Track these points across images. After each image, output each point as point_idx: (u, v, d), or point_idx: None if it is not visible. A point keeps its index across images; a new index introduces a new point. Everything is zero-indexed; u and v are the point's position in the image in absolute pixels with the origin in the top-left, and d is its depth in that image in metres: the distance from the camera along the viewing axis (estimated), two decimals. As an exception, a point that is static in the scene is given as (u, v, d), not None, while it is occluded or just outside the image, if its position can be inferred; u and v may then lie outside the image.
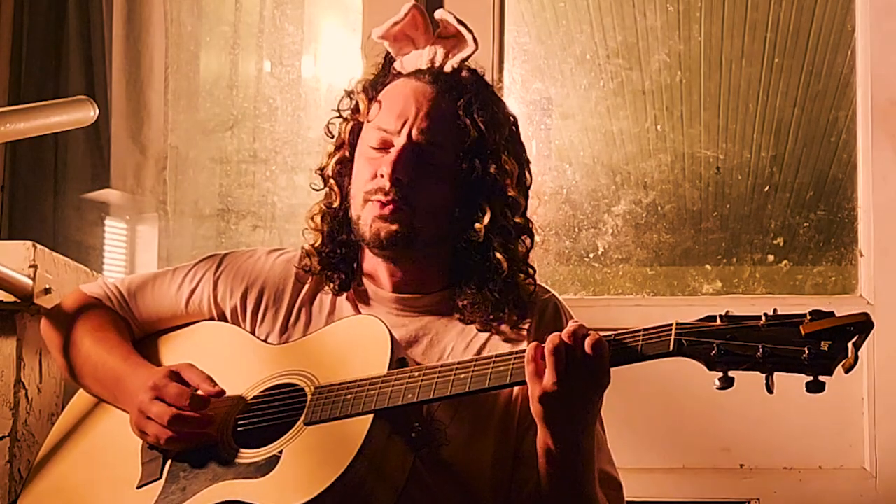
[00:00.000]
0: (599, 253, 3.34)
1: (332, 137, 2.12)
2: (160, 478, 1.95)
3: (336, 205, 2.08)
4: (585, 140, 3.64)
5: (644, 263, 3.39)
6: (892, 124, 2.86)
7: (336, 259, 2.08)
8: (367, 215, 2.00)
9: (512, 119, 2.11)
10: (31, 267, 2.48)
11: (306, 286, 2.10)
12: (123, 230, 3.57)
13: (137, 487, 1.96)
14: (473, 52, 2.07)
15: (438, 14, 2.08)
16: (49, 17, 3.46)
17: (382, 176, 1.97)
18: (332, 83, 3.65)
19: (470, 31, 2.07)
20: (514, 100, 3.33)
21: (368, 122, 2.04)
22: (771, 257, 3.39)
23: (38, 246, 2.52)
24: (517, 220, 2.04)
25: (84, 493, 2.02)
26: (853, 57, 2.98)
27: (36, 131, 2.39)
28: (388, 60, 2.12)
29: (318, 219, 2.09)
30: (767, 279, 3.37)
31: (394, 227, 1.98)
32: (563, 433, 1.80)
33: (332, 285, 2.08)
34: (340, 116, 2.11)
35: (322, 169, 2.11)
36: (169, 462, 1.96)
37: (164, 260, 3.54)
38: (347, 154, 2.08)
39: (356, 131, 2.08)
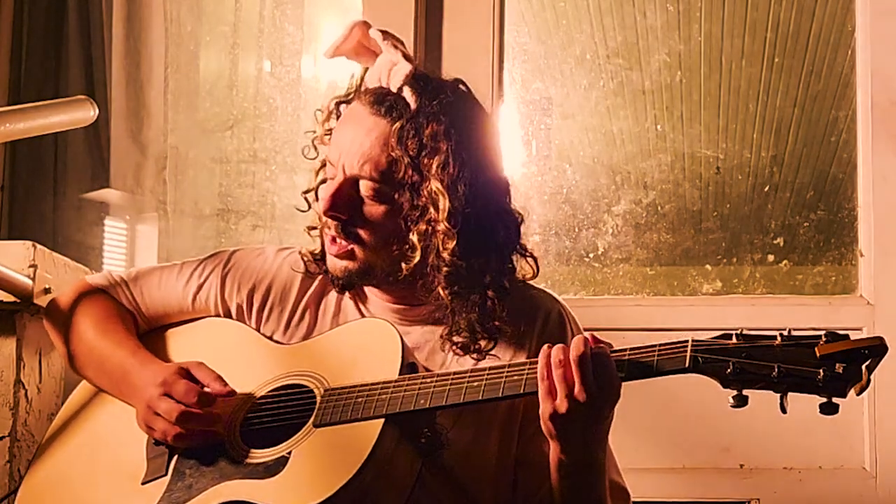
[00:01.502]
0: (599, 253, 3.34)
1: (313, 157, 2.08)
2: (165, 474, 1.95)
3: (319, 226, 2.06)
4: (585, 140, 3.64)
5: (644, 263, 3.39)
6: (892, 124, 2.86)
7: None
8: (327, 251, 2.00)
9: (461, 134, 1.91)
10: (30, 267, 2.48)
11: (313, 286, 2.10)
12: (123, 230, 3.57)
13: (143, 483, 1.96)
14: (412, 70, 1.95)
15: (371, 32, 2.02)
16: (49, 17, 3.46)
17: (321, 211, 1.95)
18: (332, 83, 3.65)
19: (397, 46, 1.98)
20: (514, 100, 3.33)
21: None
22: (771, 257, 3.39)
23: (38, 246, 2.52)
24: (448, 254, 1.88)
25: (88, 486, 2.02)
26: (853, 57, 2.98)
27: (36, 131, 2.39)
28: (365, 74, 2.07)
29: (316, 230, 2.08)
30: (767, 279, 3.37)
31: (344, 263, 1.97)
32: (576, 449, 1.80)
33: (337, 284, 2.08)
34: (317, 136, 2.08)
35: (306, 192, 2.08)
36: (175, 459, 1.96)
37: (164, 260, 3.53)
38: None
39: None
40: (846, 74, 3.27)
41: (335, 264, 1.98)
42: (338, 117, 2.04)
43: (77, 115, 2.43)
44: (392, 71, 1.97)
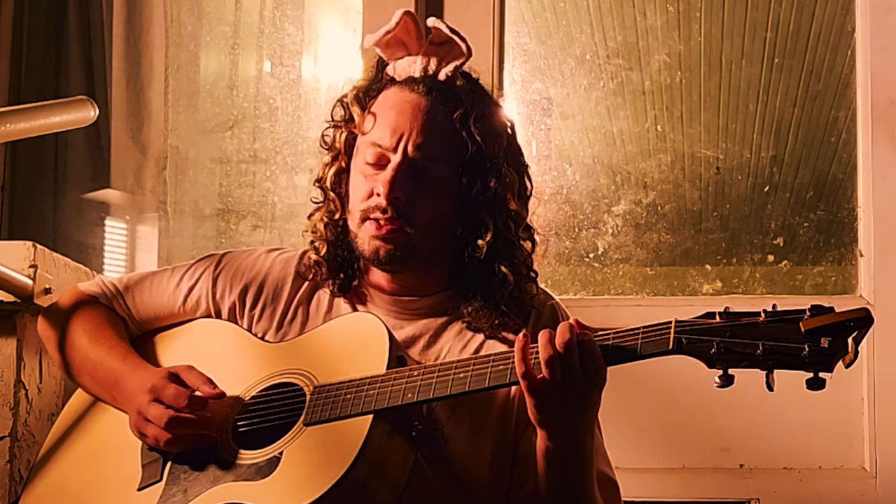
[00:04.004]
0: (599, 253, 3.34)
1: (328, 148, 2.10)
2: (160, 480, 1.95)
3: (337, 216, 2.07)
4: (585, 140, 3.64)
5: (644, 263, 3.39)
6: (892, 124, 2.86)
7: (339, 262, 2.08)
8: (365, 234, 1.99)
9: (510, 125, 2.08)
10: (31, 267, 2.48)
11: (304, 285, 2.10)
12: (123, 230, 3.57)
13: (138, 489, 1.96)
14: (467, 60, 2.03)
15: (431, 21, 2.05)
16: (49, 17, 3.46)
17: (379, 195, 1.96)
18: (332, 83, 3.65)
19: (463, 38, 2.03)
20: (514, 100, 3.33)
21: (363, 134, 2.02)
22: (771, 257, 3.39)
23: (38, 246, 2.52)
24: (521, 232, 2.03)
25: (85, 494, 2.02)
26: (853, 57, 2.98)
27: (36, 131, 2.39)
28: (381, 65, 2.08)
29: (321, 227, 2.08)
30: (767, 279, 3.36)
31: (391, 246, 1.97)
32: (563, 436, 1.80)
33: (332, 287, 2.08)
34: (334, 125, 2.08)
35: (320, 181, 2.09)
36: (169, 464, 1.96)
37: (164, 260, 3.54)
38: (344, 164, 2.06)
39: (350, 140, 2.06)
40: (846, 74, 3.27)
41: (378, 246, 1.97)
42: (362, 107, 2.04)
43: (77, 115, 2.43)
44: (445, 61, 2.02)
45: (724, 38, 3.69)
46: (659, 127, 3.65)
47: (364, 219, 1.98)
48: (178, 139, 3.64)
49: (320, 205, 2.10)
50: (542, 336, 1.76)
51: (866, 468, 2.75)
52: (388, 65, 2.07)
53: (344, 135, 2.06)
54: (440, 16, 2.93)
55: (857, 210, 2.92)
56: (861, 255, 2.87)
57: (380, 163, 1.98)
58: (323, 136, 2.10)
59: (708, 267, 3.41)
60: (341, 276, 2.08)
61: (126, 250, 3.58)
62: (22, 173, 3.42)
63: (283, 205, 3.67)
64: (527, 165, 2.09)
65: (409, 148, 1.96)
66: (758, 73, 3.74)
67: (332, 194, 2.08)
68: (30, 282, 2.46)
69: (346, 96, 2.07)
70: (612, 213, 3.37)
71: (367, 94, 2.05)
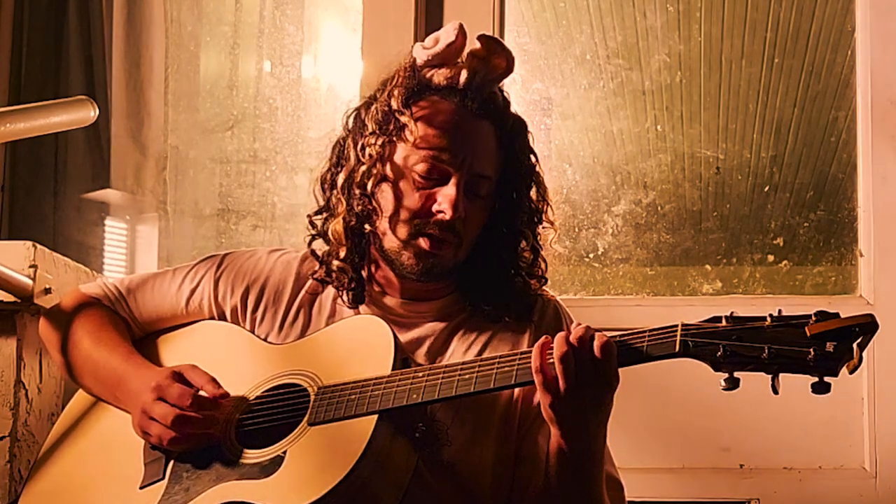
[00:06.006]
0: (599, 253, 3.34)
1: (370, 156, 2.01)
2: (163, 478, 1.95)
3: (367, 223, 2.02)
4: (585, 140, 3.64)
5: (644, 263, 3.39)
6: (892, 124, 2.86)
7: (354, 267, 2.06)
8: (415, 249, 1.98)
9: (531, 136, 2.11)
10: (31, 267, 2.48)
11: (305, 287, 2.10)
12: (123, 230, 3.57)
13: (140, 488, 1.96)
14: (508, 73, 2.06)
15: (480, 34, 2.04)
16: (49, 17, 3.46)
17: (443, 212, 1.95)
18: (332, 83, 3.65)
19: (510, 53, 2.05)
20: (514, 100, 3.32)
21: (415, 145, 1.98)
22: (771, 257, 3.39)
23: (38, 246, 2.52)
24: (552, 243, 2.10)
25: (86, 493, 2.02)
26: (853, 57, 2.98)
27: (36, 131, 2.39)
28: (414, 67, 2.04)
29: (340, 231, 2.03)
30: (767, 279, 3.36)
31: (440, 262, 1.99)
32: (575, 435, 1.81)
33: (348, 296, 2.06)
34: (378, 132, 2.00)
35: (363, 186, 2.00)
36: (171, 462, 1.96)
37: (164, 260, 3.54)
38: (389, 173, 2.00)
39: (391, 148, 2.01)
40: (846, 74, 3.27)
41: (424, 262, 1.98)
42: (409, 115, 2.00)
43: (77, 115, 2.43)
44: (489, 74, 2.04)
45: (724, 38, 3.69)
46: (659, 127, 3.65)
47: (418, 233, 1.97)
48: (178, 139, 3.65)
49: (333, 209, 2.05)
50: (559, 335, 1.76)
51: (866, 468, 2.75)
52: (421, 67, 2.04)
53: (381, 140, 2.00)
54: (440, 15, 2.93)
55: (857, 210, 2.92)
56: (861, 255, 2.87)
57: (431, 176, 1.97)
58: (364, 145, 2.02)
59: (708, 267, 3.41)
60: (353, 284, 2.06)
61: (126, 250, 3.58)
62: (22, 173, 3.42)
63: (283, 205, 3.66)
64: (541, 175, 2.11)
65: (469, 165, 1.97)
66: (758, 73, 3.74)
67: (365, 199, 2.01)
68: (30, 282, 2.46)
69: (378, 101, 2.03)
70: (612, 213, 3.37)
71: (406, 102, 2.00)
